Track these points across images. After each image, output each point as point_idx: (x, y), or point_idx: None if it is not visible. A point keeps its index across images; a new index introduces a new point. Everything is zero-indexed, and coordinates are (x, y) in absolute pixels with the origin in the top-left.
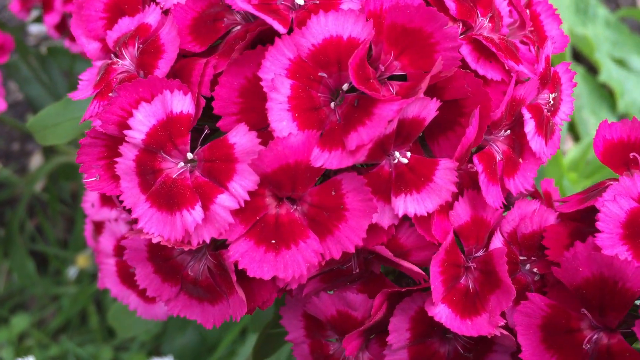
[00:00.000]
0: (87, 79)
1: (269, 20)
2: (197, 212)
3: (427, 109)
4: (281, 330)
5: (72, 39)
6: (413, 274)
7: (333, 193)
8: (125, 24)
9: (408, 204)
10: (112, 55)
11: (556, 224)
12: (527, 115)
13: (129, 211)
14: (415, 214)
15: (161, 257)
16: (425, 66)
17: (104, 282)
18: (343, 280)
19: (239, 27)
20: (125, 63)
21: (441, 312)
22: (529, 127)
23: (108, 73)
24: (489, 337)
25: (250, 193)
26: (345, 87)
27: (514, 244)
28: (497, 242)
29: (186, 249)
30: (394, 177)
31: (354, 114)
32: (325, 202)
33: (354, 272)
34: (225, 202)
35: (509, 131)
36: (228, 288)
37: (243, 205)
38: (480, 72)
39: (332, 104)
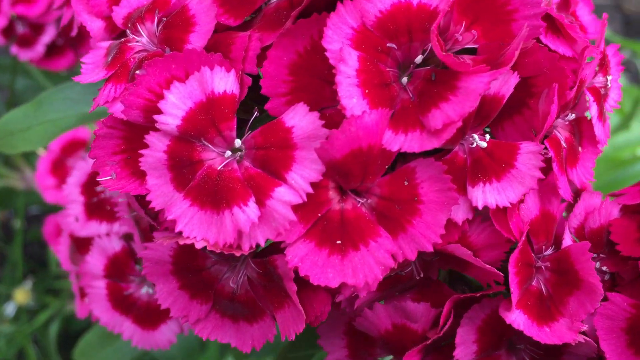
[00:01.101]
0: (92, 62)
1: None
2: (252, 209)
3: (507, 85)
4: (300, 355)
5: (22, 43)
6: (485, 278)
7: (405, 183)
8: None
9: (487, 194)
10: (127, 32)
11: (620, 217)
12: (590, 97)
13: (151, 215)
14: (497, 205)
15: (190, 269)
16: (499, 37)
17: (90, 307)
18: (399, 289)
19: None
20: (142, 40)
21: (518, 319)
22: (593, 110)
23: (122, 52)
24: (561, 345)
25: (312, 185)
26: (418, 59)
27: (582, 240)
28: (567, 238)
29: (237, 254)
30: (469, 164)
31: (433, 90)
32: (396, 193)
33: (416, 278)
34: (284, 196)
35: (573, 115)
36: (276, 302)
37: (305, 199)
38: (552, 47)
39: (403, 80)
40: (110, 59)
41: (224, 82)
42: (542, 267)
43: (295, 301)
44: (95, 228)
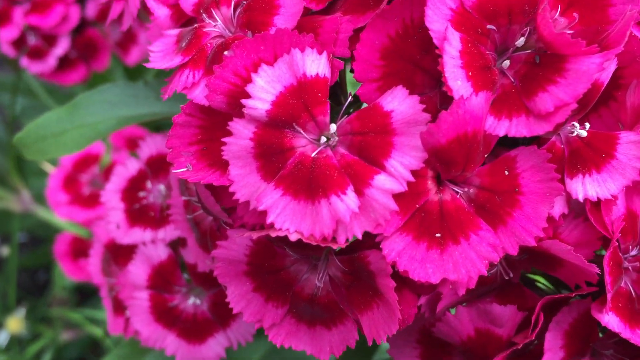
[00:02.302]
0: (160, 49)
1: None
2: (351, 198)
3: (607, 72)
4: None
5: (33, 56)
6: (576, 278)
7: (506, 173)
8: None
9: (588, 186)
10: (202, 17)
11: None
12: None
13: (228, 211)
14: (598, 198)
15: (268, 269)
16: (595, 22)
17: (131, 321)
18: (480, 292)
19: None
20: (218, 25)
21: (612, 320)
22: None
23: (198, 38)
24: None
25: (412, 174)
26: (520, 42)
27: None
28: None
29: (334, 247)
30: (567, 154)
31: (538, 73)
32: (496, 184)
33: (500, 280)
34: (385, 184)
35: None
36: (362, 303)
37: (406, 188)
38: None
39: (503, 63)
40: (184, 44)
41: (316, 64)
42: (630, 267)
43: (392, 299)
44: (139, 235)
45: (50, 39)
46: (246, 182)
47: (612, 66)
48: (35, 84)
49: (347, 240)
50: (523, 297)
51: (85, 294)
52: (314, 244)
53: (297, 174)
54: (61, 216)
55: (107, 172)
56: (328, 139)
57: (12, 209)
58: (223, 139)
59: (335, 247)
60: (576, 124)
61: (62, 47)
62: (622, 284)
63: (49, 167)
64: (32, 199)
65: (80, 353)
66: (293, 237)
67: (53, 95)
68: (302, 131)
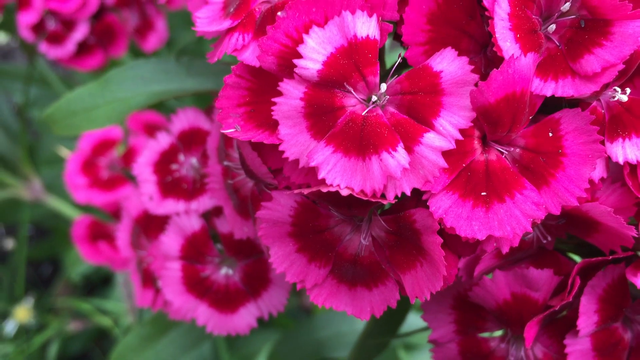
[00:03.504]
0: (206, 15)
1: None
2: (401, 154)
3: None
4: (381, 341)
5: (52, 41)
6: (612, 243)
7: (550, 134)
8: None
9: (628, 150)
10: None
11: None
12: None
13: (274, 172)
14: (638, 161)
15: (311, 229)
16: None
17: (162, 290)
18: (516, 258)
19: None
20: None
21: None
22: None
23: (246, 2)
24: None
25: (460, 133)
26: (565, 7)
27: None
28: None
29: (384, 202)
30: (607, 119)
31: (583, 37)
32: (540, 145)
33: (536, 245)
34: (434, 142)
35: None
36: (405, 262)
37: (454, 146)
38: None
39: (549, 28)
40: (232, 9)
41: (366, 26)
42: None
43: (438, 256)
44: (172, 206)
45: (69, 24)
46: (296, 141)
47: None
48: (50, 73)
49: (396, 196)
50: (558, 263)
51: (93, 286)
52: (364, 199)
53: (347, 131)
54: (80, 199)
55: (126, 157)
56: (378, 98)
57: (22, 198)
58: (273, 99)
59: (385, 202)
60: (617, 89)
61: (81, 32)
62: None
63: (64, 152)
64: (42, 188)
65: (86, 345)
66: (344, 192)
67: (65, 85)
68: (352, 90)
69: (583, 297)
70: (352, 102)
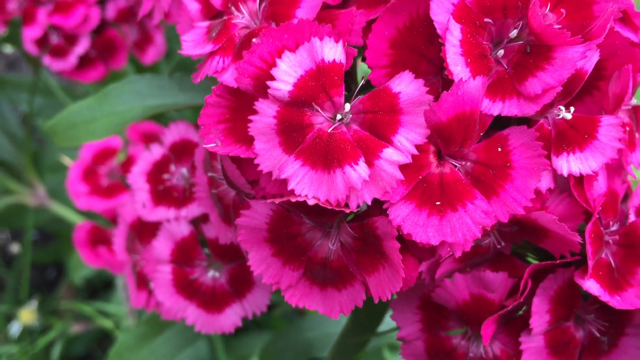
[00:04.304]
0: (192, 39)
1: None
2: (362, 168)
3: (590, 61)
4: (360, 340)
5: (55, 54)
6: (561, 248)
7: (499, 149)
8: None
9: (572, 163)
10: (231, 9)
11: None
12: None
13: (251, 183)
14: (581, 173)
15: (285, 235)
16: (581, 18)
17: (154, 292)
18: (475, 262)
19: None
20: (245, 18)
21: (593, 286)
22: None
23: (227, 28)
24: (626, 317)
25: (416, 148)
26: (513, 34)
27: None
28: (632, 215)
29: (347, 211)
30: (554, 135)
31: (528, 61)
32: (490, 159)
33: (492, 250)
34: (392, 156)
35: (635, 100)
36: (370, 265)
37: (411, 160)
38: (622, 33)
39: (498, 52)
40: (214, 34)
41: (333, 51)
42: (610, 241)
43: (396, 260)
44: (163, 213)
45: (71, 39)
46: (270, 155)
47: (594, 56)
48: (53, 83)
49: (358, 205)
50: (514, 266)
51: (95, 290)
52: (329, 208)
53: (315, 147)
54: (81, 206)
55: (124, 165)
56: (342, 117)
57: (27, 203)
58: (249, 117)
59: (347, 211)
60: (562, 107)
61: (82, 46)
62: (603, 256)
63: (67, 161)
64: (46, 194)
65: (88, 346)
66: (311, 202)
67: (69, 94)
68: (320, 110)
69: (535, 298)
70: (320, 120)
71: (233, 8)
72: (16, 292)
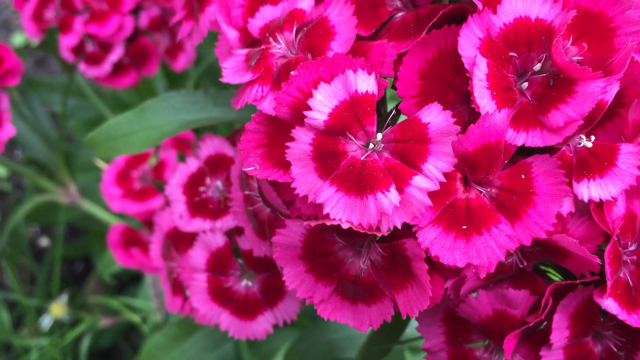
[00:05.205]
0: (232, 66)
1: None
2: (393, 194)
3: (611, 92)
4: (384, 347)
5: (90, 61)
6: (580, 268)
7: (523, 176)
8: (269, 12)
9: (592, 189)
10: (269, 39)
11: None
12: None
13: (287, 204)
14: (600, 199)
15: (319, 253)
16: (602, 50)
17: (190, 299)
18: (498, 279)
19: (402, 13)
20: (282, 48)
21: (611, 305)
22: None
23: (265, 58)
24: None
25: (444, 175)
26: (537, 67)
27: None
28: None
29: (378, 234)
30: (575, 162)
31: (551, 94)
32: (514, 185)
33: (515, 269)
34: (421, 183)
35: None
36: (398, 283)
37: (439, 187)
38: None
39: (522, 84)
40: (253, 63)
41: (366, 83)
42: (628, 260)
43: (424, 280)
44: (199, 224)
45: (106, 47)
46: (305, 180)
47: (615, 88)
48: (86, 86)
49: (388, 229)
50: (535, 284)
51: (123, 284)
52: (362, 232)
53: (348, 174)
54: (114, 209)
55: (156, 169)
56: (375, 145)
57: (59, 201)
58: (287, 144)
59: (379, 234)
60: (583, 137)
61: (116, 54)
62: (621, 275)
63: (101, 164)
64: (78, 192)
65: (115, 339)
66: (345, 226)
67: (100, 96)
68: (353, 138)
69: (556, 315)
70: (353, 147)
71: (271, 38)
72: (46, 286)
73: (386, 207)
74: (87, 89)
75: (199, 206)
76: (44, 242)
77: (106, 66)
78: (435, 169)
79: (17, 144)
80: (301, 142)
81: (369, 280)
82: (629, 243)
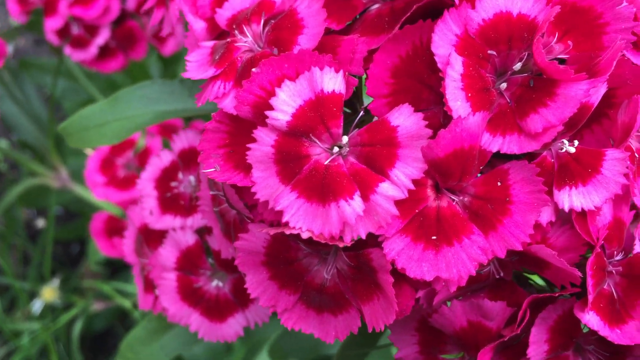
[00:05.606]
0: (196, 60)
1: None
2: (357, 202)
3: (597, 94)
4: (361, 352)
5: (76, 45)
6: (561, 279)
7: (499, 184)
8: (238, 2)
9: (573, 197)
10: (234, 32)
11: None
12: None
13: (250, 207)
14: (582, 208)
15: (282, 260)
16: (590, 49)
17: (160, 298)
18: (474, 288)
19: (377, 5)
20: (248, 41)
21: (592, 319)
22: None
23: (230, 51)
24: (627, 348)
25: (413, 182)
26: (517, 66)
27: None
28: (638, 245)
29: (341, 245)
30: (556, 168)
31: (531, 95)
32: (489, 193)
33: (492, 278)
34: (388, 191)
35: None
36: (365, 294)
37: (407, 195)
38: (634, 60)
39: (501, 85)
40: (217, 57)
41: (333, 82)
42: (613, 271)
43: (390, 293)
44: (169, 221)
45: (92, 29)
46: (266, 184)
47: (601, 90)
48: (76, 68)
49: (352, 239)
50: (515, 293)
51: (116, 268)
52: (323, 242)
53: (311, 179)
54: (98, 196)
55: (141, 157)
56: (340, 149)
57: (50, 185)
58: (248, 145)
59: (341, 245)
60: (565, 141)
61: (102, 37)
62: (605, 286)
63: (88, 150)
64: (69, 176)
65: (109, 322)
66: (305, 235)
67: (91, 78)
68: (317, 141)
69: (534, 328)
70: (318, 151)
71: (237, 30)
72: (40, 267)
73: (349, 216)
74: (77, 71)
75: (170, 202)
76: (40, 223)
77: (92, 49)
78: (403, 175)
79: (6, 126)
80: (263, 143)
81: (335, 289)
82: (615, 252)
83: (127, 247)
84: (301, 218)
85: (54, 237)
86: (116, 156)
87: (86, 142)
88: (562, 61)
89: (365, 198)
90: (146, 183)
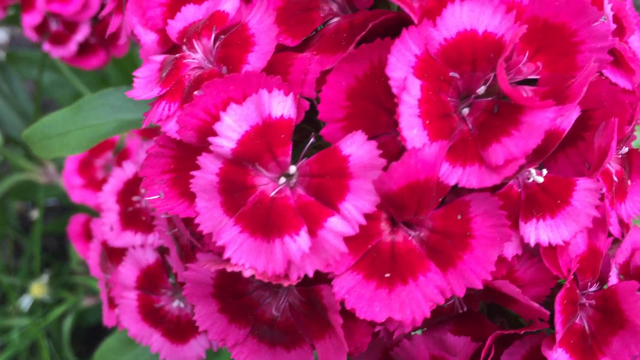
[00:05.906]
0: (144, 76)
1: (405, 6)
2: (303, 239)
3: (568, 120)
4: None
5: (55, 41)
6: (529, 314)
7: (459, 217)
8: (191, 13)
9: (540, 231)
10: (182, 47)
11: None
12: None
13: (198, 236)
14: (550, 243)
15: (232, 293)
16: (563, 69)
17: (119, 318)
18: (439, 320)
19: (337, 19)
20: (198, 57)
21: (561, 357)
22: None
23: (177, 69)
24: None
25: (365, 216)
26: (481, 90)
27: (627, 278)
28: (613, 276)
29: (285, 284)
30: (523, 198)
31: (494, 123)
32: (449, 227)
33: (460, 311)
34: (337, 226)
35: (627, 148)
36: (317, 331)
37: (358, 231)
38: (612, 79)
39: (463, 110)
40: (164, 74)
41: (281, 106)
42: (587, 304)
43: (340, 334)
44: (129, 238)
45: (71, 26)
46: (210, 215)
47: (573, 115)
48: (60, 61)
49: (298, 277)
50: (482, 326)
51: None
52: (266, 281)
53: (255, 212)
54: (75, 199)
55: (120, 158)
56: (287, 179)
57: (38, 181)
58: (192, 172)
59: (286, 284)
60: (532, 171)
61: (82, 33)
62: (577, 320)
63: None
64: (56, 171)
65: (100, 318)
66: (247, 273)
67: (76, 71)
68: (263, 170)
69: None
70: (264, 181)
71: (186, 45)
72: (32, 261)
73: (294, 253)
74: (62, 65)
75: (131, 217)
76: (34, 214)
77: (72, 46)
78: (354, 209)
79: None
80: (207, 171)
81: (287, 324)
82: (589, 284)
83: (92, 260)
84: (244, 254)
85: (48, 230)
86: (95, 157)
87: (50, 152)
88: (533, 81)
89: (312, 234)
90: (108, 196)
